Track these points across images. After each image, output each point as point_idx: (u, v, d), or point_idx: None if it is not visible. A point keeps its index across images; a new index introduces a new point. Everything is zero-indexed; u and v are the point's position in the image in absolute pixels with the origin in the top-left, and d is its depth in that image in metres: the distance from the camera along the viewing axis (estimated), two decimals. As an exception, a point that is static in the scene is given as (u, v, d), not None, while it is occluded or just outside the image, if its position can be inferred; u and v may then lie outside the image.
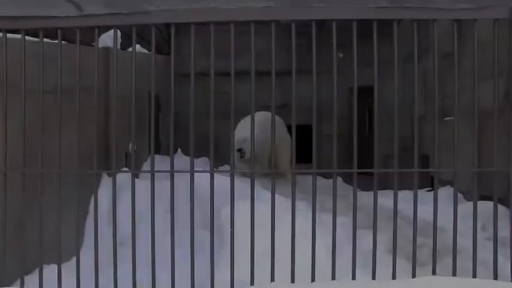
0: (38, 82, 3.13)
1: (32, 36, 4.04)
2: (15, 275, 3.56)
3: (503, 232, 3.48)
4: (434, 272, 3.11)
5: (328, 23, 3.06)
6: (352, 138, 3.20)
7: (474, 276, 3.04)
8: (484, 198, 4.83)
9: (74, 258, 3.32)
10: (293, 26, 3.07)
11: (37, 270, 3.32)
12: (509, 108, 3.09)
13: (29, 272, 4.30)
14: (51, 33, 3.18)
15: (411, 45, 3.19)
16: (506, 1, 2.96)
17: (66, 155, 3.23)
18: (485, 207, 4.55)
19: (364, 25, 3.10)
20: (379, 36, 3.09)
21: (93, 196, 3.29)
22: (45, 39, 3.18)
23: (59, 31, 3.10)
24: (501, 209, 4.13)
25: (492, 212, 3.17)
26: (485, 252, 3.78)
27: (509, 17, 2.98)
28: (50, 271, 4.07)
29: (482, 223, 4.54)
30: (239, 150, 6.80)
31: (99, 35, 3.25)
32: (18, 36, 3.23)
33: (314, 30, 3.07)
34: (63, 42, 3.19)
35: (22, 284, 3.14)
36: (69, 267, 4.70)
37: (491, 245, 3.18)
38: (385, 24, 3.12)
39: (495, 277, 3.03)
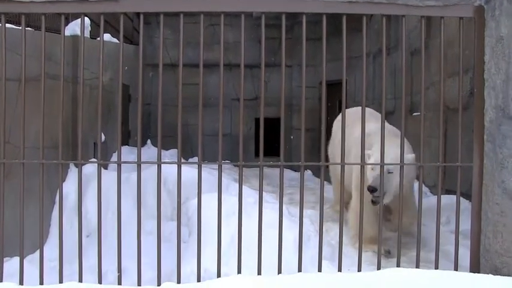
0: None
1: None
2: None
3: (466, 225, 3.57)
4: (398, 264, 3.17)
5: (299, 17, 3.07)
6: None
7: (436, 267, 3.12)
8: (449, 192, 4.95)
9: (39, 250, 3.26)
10: (263, 18, 3.07)
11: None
12: (474, 105, 3.17)
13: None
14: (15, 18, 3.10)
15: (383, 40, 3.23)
16: (471, 0, 3.03)
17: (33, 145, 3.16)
18: (450, 201, 4.67)
19: (336, 20, 3.12)
20: (352, 31, 3.11)
21: (59, 187, 3.22)
22: (8, 25, 3.09)
23: (22, 17, 3.01)
24: (465, 203, 4.25)
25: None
26: (448, 245, 3.89)
27: (474, 16, 3.04)
28: (13, 263, 4.00)
29: (446, 216, 4.66)
30: (373, 189, 3.74)
31: (67, 23, 3.18)
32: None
33: (284, 23, 3.07)
34: (29, 28, 3.11)
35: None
36: (34, 259, 4.64)
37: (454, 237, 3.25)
38: (356, 20, 3.15)
39: (456, 268, 3.12)
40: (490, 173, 3.01)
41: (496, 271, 2.91)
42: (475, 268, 3.09)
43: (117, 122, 3.20)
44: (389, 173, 3.87)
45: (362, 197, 3.15)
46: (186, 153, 8.88)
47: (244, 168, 3.16)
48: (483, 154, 3.08)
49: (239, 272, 3.08)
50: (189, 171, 4.27)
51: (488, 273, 2.93)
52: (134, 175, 5.72)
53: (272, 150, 6.49)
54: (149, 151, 8.67)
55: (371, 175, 3.84)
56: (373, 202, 3.77)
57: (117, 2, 3.01)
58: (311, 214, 4.94)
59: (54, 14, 3.22)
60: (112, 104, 7.78)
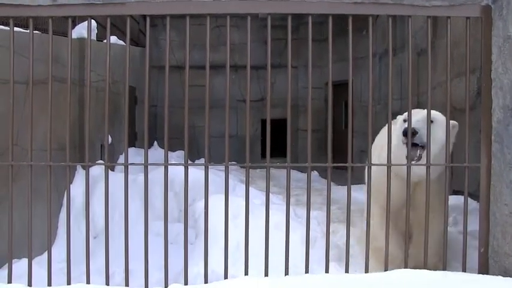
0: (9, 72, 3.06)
1: (2, 25, 3.95)
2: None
3: (474, 226, 3.55)
4: (405, 265, 3.16)
5: (305, 18, 3.07)
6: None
7: (444, 268, 3.10)
8: (456, 192, 4.93)
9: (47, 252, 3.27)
10: (269, 19, 3.07)
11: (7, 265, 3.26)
12: (481, 105, 3.15)
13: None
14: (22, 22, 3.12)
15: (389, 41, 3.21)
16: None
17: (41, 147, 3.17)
18: (458, 201, 4.65)
19: (342, 20, 3.12)
20: (358, 32, 3.10)
21: (66, 189, 3.24)
22: (16, 29, 3.11)
23: (30, 20, 3.03)
24: (473, 203, 4.22)
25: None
26: (456, 246, 3.86)
27: (481, 15, 3.03)
28: (22, 265, 4.02)
29: (454, 217, 4.63)
30: (413, 133, 3.30)
31: (73, 26, 3.20)
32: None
33: (290, 24, 3.07)
34: (36, 31, 3.13)
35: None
36: (42, 260, 4.66)
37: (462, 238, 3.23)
38: (362, 20, 3.15)
39: (464, 269, 3.10)
40: (498, 173, 2.99)
41: (506, 272, 2.89)
42: (484, 269, 3.07)
43: (124, 123, 3.21)
44: (431, 121, 3.24)
45: (369, 200, 3.14)
46: (192, 155, 8.90)
47: (250, 170, 3.16)
48: (491, 154, 3.06)
49: (246, 273, 3.08)
50: (196, 173, 4.28)
51: (497, 275, 2.91)
52: (141, 177, 5.76)
53: (278, 151, 6.49)
54: (156, 153, 8.70)
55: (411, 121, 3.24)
56: (407, 158, 3.20)
57: (124, 4, 3.03)
58: (317, 215, 4.93)
59: (61, 17, 3.23)
60: (118, 106, 7.81)
